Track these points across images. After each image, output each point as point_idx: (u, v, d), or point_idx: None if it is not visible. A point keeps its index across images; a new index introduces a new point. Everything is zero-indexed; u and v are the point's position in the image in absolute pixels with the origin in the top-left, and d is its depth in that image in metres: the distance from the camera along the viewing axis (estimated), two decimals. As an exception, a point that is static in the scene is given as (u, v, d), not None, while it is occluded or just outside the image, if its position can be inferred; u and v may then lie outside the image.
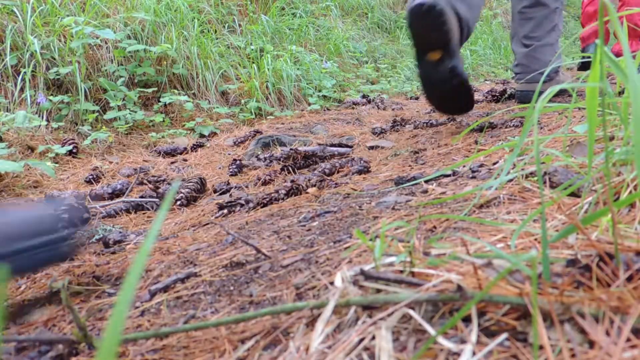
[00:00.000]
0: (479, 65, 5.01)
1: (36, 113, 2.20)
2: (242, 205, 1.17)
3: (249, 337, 0.51)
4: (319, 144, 1.83)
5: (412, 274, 0.49)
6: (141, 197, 1.43)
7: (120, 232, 1.09)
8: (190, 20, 3.00)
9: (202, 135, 2.37)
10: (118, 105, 2.34)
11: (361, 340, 0.42)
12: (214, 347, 0.51)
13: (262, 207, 1.13)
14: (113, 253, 0.98)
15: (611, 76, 2.40)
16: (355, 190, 1.07)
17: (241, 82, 2.91)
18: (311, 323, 0.49)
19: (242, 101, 2.77)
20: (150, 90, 2.54)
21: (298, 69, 3.17)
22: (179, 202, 1.32)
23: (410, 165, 1.32)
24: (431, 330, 0.41)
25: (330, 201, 1.01)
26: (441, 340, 0.39)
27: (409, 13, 1.50)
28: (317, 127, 2.29)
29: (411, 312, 0.43)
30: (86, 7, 2.64)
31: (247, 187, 1.41)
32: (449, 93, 1.61)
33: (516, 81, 2.29)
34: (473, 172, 1.00)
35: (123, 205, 1.36)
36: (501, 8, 7.03)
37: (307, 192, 1.14)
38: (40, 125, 2.08)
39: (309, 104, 2.98)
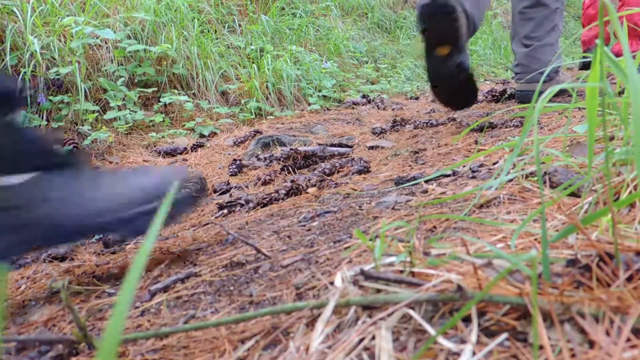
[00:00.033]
0: (479, 65, 5.01)
1: (36, 113, 2.20)
2: (242, 205, 1.17)
3: (249, 337, 0.51)
4: (319, 144, 1.83)
5: (412, 274, 0.49)
6: (141, 197, 1.42)
7: (120, 232, 1.09)
8: (190, 20, 3.00)
9: (202, 135, 2.37)
10: (118, 105, 2.34)
11: (361, 340, 0.42)
12: (214, 347, 0.51)
13: (262, 207, 1.13)
14: (113, 253, 0.98)
15: (611, 76, 2.40)
16: (355, 190, 1.07)
17: (241, 82, 2.92)
18: (311, 323, 0.49)
19: (242, 101, 2.77)
20: (150, 90, 2.54)
21: (298, 69, 3.17)
22: None
23: (410, 165, 1.32)
24: (431, 330, 0.41)
25: (330, 201, 1.01)
26: (441, 340, 0.39)
27: (422, 8, 1.55)
28: (317, 127, 2.29)
29: (411, 312, 0.43)
30: (86, 7, 2.64)
31: (247, 187, 1.41)
32: (455, 87, 1.68)
33: (516, 81, 2.29)
34: (473, 172, 1.00)
35: None
36: (501, 8, 7.03)
37: (307, 192, 1.14)
38: (40, 125, 2.08)
39: (309, 104, 2.98)
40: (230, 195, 1.33)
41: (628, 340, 0.36)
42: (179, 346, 0.53)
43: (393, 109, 2.84)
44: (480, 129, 1.69)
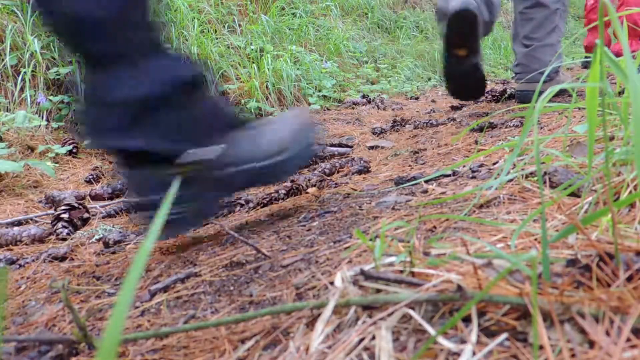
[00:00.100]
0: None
1: (36, 113, 2.20)
2: (242, 205, 1.17)
3: (249, 337, 0.51)
4: (319, 144, 1.83)
5: (412, 274, 0.49)
6: (141, 197, 1.43)
7: (120, 232, 1.09)
8: (190, 20, 3.00)
9: (202, 135, 2.37)
10: (118, 105, 2.34)
11: (361, 340, 0.42)
12: (214, 347, 0.51)
13: (262, 207, 1.13)
14: (113, 253, 0.98)
15: (611, 76, 2.40)
16: (355, 190, 1.07)
17: (241, 82, 2.92)
18: (311, 323, 0.49)
19: (242, 101, 2.77)
20: (150, 90, 2.54)
21: (298, 69, 3.18)
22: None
23: (410, 165, 1.32)
24: (431, 330, 0.41)
25: (330, 201, 1.02)
26: (441, 340, 0.39)
27: (451, 16, 1.76)
28: (317, 127, 2.29)
29: (411, 312, 0.43)
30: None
31: (247, 187, 1.41)
32: (470, 84, 1.95)
33: (516, 81, 2.29)
34: (473, 172, 1.00)
35: (123, 205, 1.36)
36: (501, 8, 7.03)
37: (307, 192, 1.14)
38: (40, 125, 2.08)
39: (309, 104, 2.98)
40: (230, 195, 1.33)
41: (628, 340, 0.36)
42: (179, 346, 0.53)
43: (393, 109, 2.84)
44: (480, 129, 1.69)
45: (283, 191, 1.16)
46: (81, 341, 0.50)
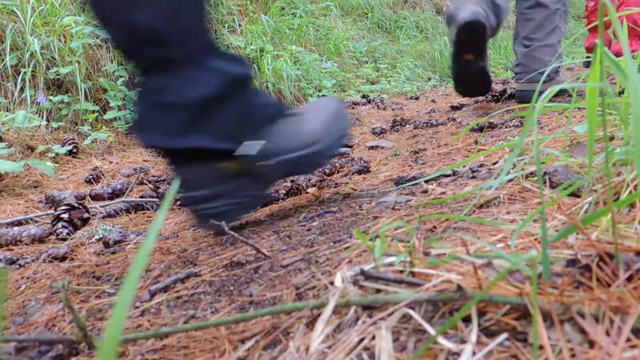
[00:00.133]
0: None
1: (36, 113, 2.20)
2: (242, 205, 1.17)
3: (249, 337, 0.51)
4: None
5: (412, 274, 0.49)
6: (141, 197, 1.43)
7: (120, 232, 1.09)
8: (190, 20, 3.00)
9: (202, 135, 2.37)
10: (118, 105, 2.34)
11: (361, 340, 0.42)
12: (214, 347, 0.51)
13: (262, 207, 1.13)
14: (113, 253, 0.98)
15: (611, 76, 2.40)
16: (355, 190, 1.07)
17: (241, 82, 2.91)
18: (311, 323, 0.49)
19: (242, 101, 2.76)
20: (150, 90, 2.54)
21: (298, 69, 3.18)
22: (179, 202, 1.32)
23: (410, 165, 1.32)
24: (431, 330, 0.41)
25: (330, 201, 1.02)
26: (441, 340, 0.39)
27: (460, 26, 1.88)
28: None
29: (411, 312, 0.43)
30: (86, 7, 2.64)
31: (247, 187, 1.41)
32: (476, 85, 2.13)
33: (516, 81, 2.29)
34: (473, 172, 1.00)
35: (123, 205, 1.36)
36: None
37: (307, 192, 1.14)
38: (40, 125, 2.08)
39: (309, 104, 2.97)
40: (230, 195, 1.33)
41: (628, 340, 0.36)
42: (179, 346, 0.53)
43: (393, 109, 2.84)
44: (480, 129, 1.69)
45: (283, 191, 1.16)
46: (81, 341, 0.50)
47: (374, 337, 0.42)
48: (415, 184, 0.99)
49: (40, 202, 1.53)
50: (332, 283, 0.55)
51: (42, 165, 1.59)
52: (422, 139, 1.73)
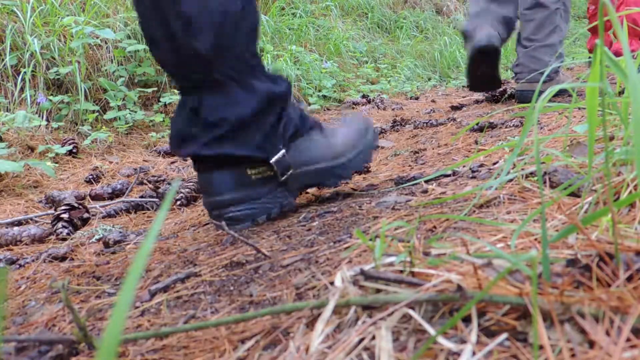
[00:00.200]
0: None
1: (36, 113, 2.20)
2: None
3: (249, 337, 0.51)
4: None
5: (412, 274, 0.49)
6: (141, 197, 1.43)
7: (120, 232, 1.09)
8: (190, 20, 3.00)
9: (202, 135, 2.37)
10: (118, 105, 2.34)
11: (361, 340, 0.42)
12: (214, 347, 0.51)
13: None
14: (113, 253, 0.98)
15: (611, 76, 2.40)
16: (355, 190, 1.07)
17: (241, 82, 2.91)
18: (311, 323, 0.49)
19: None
20: (150, 90, 2.54)
21: (298, 69, 3.18)
22: (179, 202, 1.32)
23: (410, 165, 1.32)
24: (431, 330, 0.41)
25: (330, 201, 1.02)
26: (441, 340, 0.39)
27: (476, 50, 2.15)
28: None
29: (411, 312, 0.43)
30: (86, 7, 2.64)
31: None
32: (488, 87, 2.38)
33: (516, 81, 2.29)
34: (473, 172, 1.00)
35: (123, 205, 1.36)
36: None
37: (307, 192, 1.14)
38: (40, 125, 2.08)
39: (309, 104, 2.98)
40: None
41: (628, 340, 0.36)
42: (179, 346, 0.53)
43: (393, 109, 2.84)
44: (480, 129, 1.70)
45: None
46: (81, 341, 0.50)
47: (374, 337, 0.42)
48: (415, 184, 0.99)
49: (40, 202, 1.53)
50: (332, 283, 0.55)
51: (42, 165, 1.59)
52: (422, 139, 1.73)
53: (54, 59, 2.38)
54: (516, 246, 0.54)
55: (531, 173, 0.81)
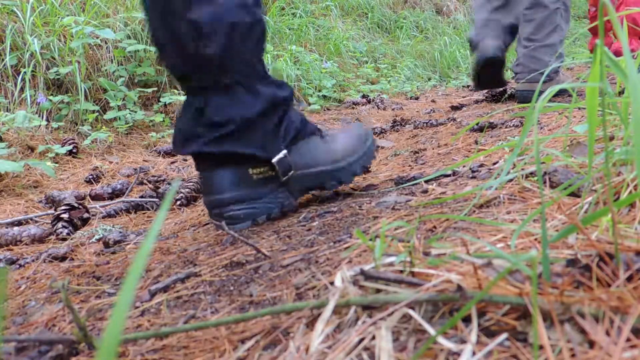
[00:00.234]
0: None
1: (36, 113, 2.20)
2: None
3: (249, 337, 0.51)
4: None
5: (412, 274, 0.49)
6: (141, 197, 1.43)
7: (120, 232, 1.09)
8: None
9: (202, 135, 2.37)
10: (118, 105, 2.34)
11: (361, 340, 0.42)
12: (214, 347, 0.51)
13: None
14: (113, 253, 0.98)
15: (611, 76, 2.40)
16: (355, 190, 1.07)
17: (241, 82, 2.91)
18: (311, 323, 0.49)
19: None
20: (150, 90, 2.54)
21: (298, 69, 3.18)
22: (179, 202, 1.32)
23: (410, 165, 1.32)
24: (431, 330, 0.41)
25: (330, 201, 1.02)
26: (441, 340, 0.39)
27: (482, 61, 2.30)
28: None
29: (411, 312, 0.43)
30: (86, 7, 2.64)
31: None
32: (494, 86, 2.48)
33: (516, 81, 2.30)
34: (473, 172, 1.00)
35: (123, 205, 1.36)
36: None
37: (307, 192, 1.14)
38: (40, 125, 2.08)
39: (309, 104, 2.98)
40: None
41: (628, 340, 0.36)
42: (179, 346, 0.53)
43: (393, 109, 2.84)
44: (480, 129, 1.70)
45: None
46: (81, 341, 0.50)
47: (374, 337, 0.42)
48: (415, 184, 0.99)
49: (40, 202, 1.53)
50: (332, 283, 0.55)
51: (42, 165, 1.59)
52: (422, 139, 1.73)
53: (54, 59, 2.38)
54: (516, 246, 0.54)
55: (531, 173, 0.81)
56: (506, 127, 1.67)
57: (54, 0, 2.51)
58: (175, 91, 2.62)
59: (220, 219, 0.95)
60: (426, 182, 0.98)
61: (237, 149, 0.93)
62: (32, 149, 1.97)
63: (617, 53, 3.38)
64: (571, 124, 1.26)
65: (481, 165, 1.04)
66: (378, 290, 0.47)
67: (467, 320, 0.41)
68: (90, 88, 2.42)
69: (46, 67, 2.36)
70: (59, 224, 1.18)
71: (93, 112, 2.32)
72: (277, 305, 0.58)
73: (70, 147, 1.98)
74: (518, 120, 1.71)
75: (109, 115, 2.30)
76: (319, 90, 3.19)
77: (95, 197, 1.51)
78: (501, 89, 2.54)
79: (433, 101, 3.12)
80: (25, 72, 2.24)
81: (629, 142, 0.63)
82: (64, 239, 1.14)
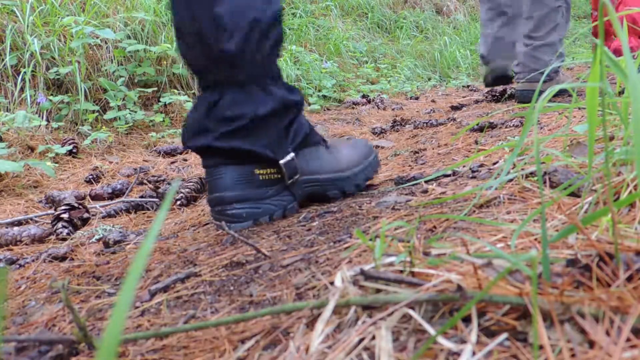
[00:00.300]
0: (479, 65, 5.01)
1: (36, 113, 2.20)
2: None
3: (249, 337, 0.51)
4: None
5: (412, 274, 0.49)
6: (141, 197, 1.43)
7: (120, 232, 1.09)
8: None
9: (202, 135, 2.37)
10: (118, 105, 2.34)
11: (361, 340, 0.42)
12: (214, 347, 0.51)
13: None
14: (113, 253, 0.98)
15: (611, 76, 2.40)
16: (355, 190, 1.07)
17: (241, 82, 2.91)
18: (311, 323, 0.49)
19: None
20: (150, 90, 2.54)
21: (298, 69, 3.18)
22: (179, 202, 1.32)
23: (410, 165, 1.32)
24: (431, 330, 0.41)
25: (330, 201, 1.02)
26: (441, 340, 0.39)
27: (492, 78, 2.51)
28: (317, 127, 2.29)
29: (411, 312, 0.43)
30: (86, 7, 2.64)
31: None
32: (501, 84, 2.58)
33: (516, 81, 2.29)
34: (473, 172, 1.00)
35: (123, 205, 1.36)
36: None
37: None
38: (40, 125, 2.08)
39: (309, 104, 2.98)
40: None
41: (628, 340, 0.36)
42: (179, 346, 0.53)
43: (393, 109, 2.84)
44: (480, 129, 1.70)
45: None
46: (81, 341, 0.50)
47: (374, 337, 0.42)
48: (415, 184, 0.99)
49: (40, 202, 1.53)
50: (332, 283, 0.55)
51: (42, 165, 1.59)
52: (422, 139, 1.73)
53: (54, 59, 2.38)
54: (516, 246, 0.54)
55: (531, 173, 0.81)
56: (506, 127, 1.67)
57: (54, 0, 2.51)
58: (175, 91, 2.62)
59: (222, 216, 0.95)
60: (426, 182, 0.98)
61: (246, 146, 0.93)
62: (32, 149, 1.97)
63: (617, 51, 3.38)
64: (571, 124, 1.26)
65: (481, 165, 1.04)
66: (378, 290, 0.47)
67: (467, 320, 0.41)
68: (90, 88, 2.42)
69: (46, 67, 2.36)
70: (59, 224, 1.18)
71: (93, 112, 2.32)
72: (277, 305, 0.58)
73: (70, 147, 1.98)
74: (518, 120, 1.71)
75: (109, 115, 2.30)
76: (319, 90, 3.19)
77: (95, 197, 1.51)
78: (501, 88, 2.62)
79: (433, 101, 3.12)
80: (25, 72, 2.24)
81: (629, 142, 0.63)
82: (64, 239, 1.15)
